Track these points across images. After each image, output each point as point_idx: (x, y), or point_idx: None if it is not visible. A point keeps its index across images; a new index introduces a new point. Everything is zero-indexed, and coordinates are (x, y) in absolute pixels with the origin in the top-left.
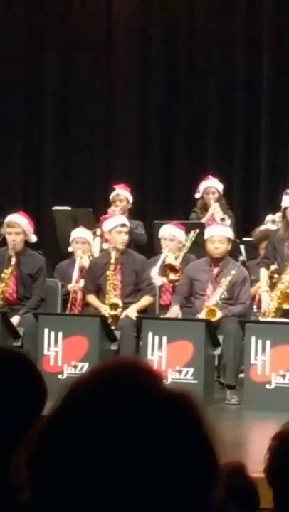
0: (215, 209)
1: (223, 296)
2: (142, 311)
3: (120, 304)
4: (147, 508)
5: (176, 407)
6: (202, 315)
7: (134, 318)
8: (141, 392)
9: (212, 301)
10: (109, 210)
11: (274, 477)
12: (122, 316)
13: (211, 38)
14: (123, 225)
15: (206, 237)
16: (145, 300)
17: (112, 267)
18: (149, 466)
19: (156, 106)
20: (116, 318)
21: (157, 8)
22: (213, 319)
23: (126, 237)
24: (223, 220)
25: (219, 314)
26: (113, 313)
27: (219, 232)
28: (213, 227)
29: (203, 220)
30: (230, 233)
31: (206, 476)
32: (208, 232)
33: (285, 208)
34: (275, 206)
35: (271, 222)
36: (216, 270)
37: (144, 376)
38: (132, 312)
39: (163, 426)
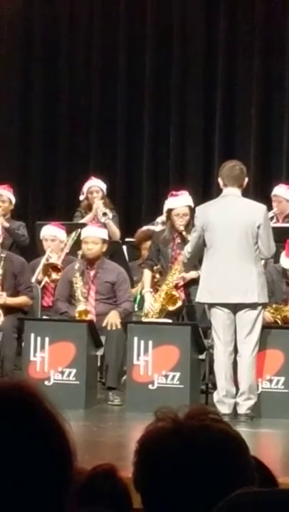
0: (98, 205)
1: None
2: (23, 313)
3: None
4: None
5: (14, 398)
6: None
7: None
8: None
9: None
10: None
11: (138, 481)
12: None
13: (94, 36)
14: None
15: (81, 237)
16: (22, 298)
17: None
18: None
19: (39, 106)
20: None
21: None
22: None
23: None
24: (105, 214)
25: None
26: None
27: (93, 232)
28: (88, 227)
29: (83, 220)
30: (105, 234)
31: (54, 458)
32: (83, 233)
33: (170, 210)
34: (158, 207)
35: (161, 224)
36: (92, 272)
37: None
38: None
39: (2, 417)
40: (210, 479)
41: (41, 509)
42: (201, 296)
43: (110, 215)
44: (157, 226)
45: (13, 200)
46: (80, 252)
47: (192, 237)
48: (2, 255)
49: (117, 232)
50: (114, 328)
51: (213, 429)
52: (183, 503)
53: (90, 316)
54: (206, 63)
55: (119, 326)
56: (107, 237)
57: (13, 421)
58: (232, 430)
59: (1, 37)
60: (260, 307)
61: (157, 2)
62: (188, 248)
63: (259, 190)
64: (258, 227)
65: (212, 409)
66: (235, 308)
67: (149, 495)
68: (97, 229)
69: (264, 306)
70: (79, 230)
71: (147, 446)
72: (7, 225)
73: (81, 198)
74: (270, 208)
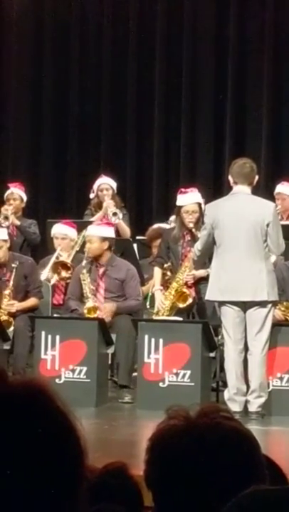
0: (108, 204)
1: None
2: (31, 311)
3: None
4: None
5: (26, 396)
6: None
7: (13, 310)
8: None
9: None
10: (2, 209)
11: (149, 479)
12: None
13: (103, 35)
14: None
15: None
16: (31, 301)
17: (8, 274)
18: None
19: (50, 105)
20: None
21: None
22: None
23: None
24: (115, 214)
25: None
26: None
27: (91, 231)
28: (90, 226)
29: (93, 219)
30: (106, 232)
31: (66, 456)
32: (86, 232)
33: (179, 207)
34: (168, 205)
35: (174, 223)
36: (101, 270)
37: None
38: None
39: (12, 415)
40: (221, 477)
41: (53, 508)
42: (211, 294)
43: (120, 215)
44: (171, 225)
45: (25, 198)
46: (86, 249)
47: (202, 235)
48: (13, 265)
49: (127, 231)
50: (105, 317)
51: (225, 427)
52: (194, 500)
53: (99, 313)
54: (216, 63)
55: (108, 318)
56: (109, 235)
57: (25, 419)
58: (244, 428)
59: (12, 38)
60: (269, 305)
61: (168, 2)
62: (198, 246)
63: (270, 189)
64: (267, 224)
65: (224, 407)
66: (245, 306)
67: (160, 493)
68: (98, 227)
69: (274, 303)
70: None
71: (159, 444)
72: (18, 223)
73: (91, 196)
74: None
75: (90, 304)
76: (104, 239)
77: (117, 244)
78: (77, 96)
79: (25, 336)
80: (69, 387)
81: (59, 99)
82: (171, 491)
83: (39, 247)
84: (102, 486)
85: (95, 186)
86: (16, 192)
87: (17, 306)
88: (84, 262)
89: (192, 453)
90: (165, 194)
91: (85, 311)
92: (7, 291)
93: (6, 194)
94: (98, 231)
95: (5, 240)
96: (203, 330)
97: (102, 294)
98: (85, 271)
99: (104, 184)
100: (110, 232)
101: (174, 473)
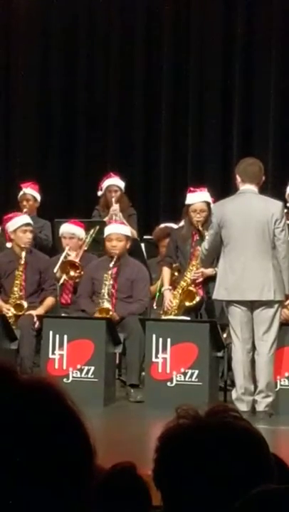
0: (115, 211)
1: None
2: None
3: (25, 305)
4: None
5: (36, 395)
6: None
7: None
8: None
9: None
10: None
11: (158, 479)
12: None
13: (111, 35)
14: (27, 225)
15: (104, 235)
16: (49, 301)
17: (21, 268)
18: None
19: (57, 103)
20: (17, 317)
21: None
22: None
23: (30, 236)
24: None
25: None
26: (18, 313)
27: (117, 230)
28: (112, 225)
29: (105, 219)
30: (128, 231)
31: (75, 455)
32: (106, 230)
33: (188, 206)
34: (176, 205)
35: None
36: (115, 269)
37: None
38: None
39: (23, 414)
40: (230, 477)
41: (61, 507)
42: (218, 293)
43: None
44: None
45: (38, 198)
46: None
47: (209, 234)
48: (21, 262)
49: (134, 234)
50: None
51: (234, 427)
52: (203, 500)
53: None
54: (224, 61)
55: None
56: (130, 234)
57: (34, 416)
58: (253, 428)
59: (19, 37)
60: (276, 305)
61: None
62: (205, 245)
63: (277, 189)
64: (275, 223)
65: (233, 406)
66: (252, 305)
67: (169, 492)
68: (121, 226)
69: (281, 303)
70: (97, 227)
71: (168, 443)
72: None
73: (99, 193)
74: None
75: (105, 304)
76: (127, 237)
77: None
78: (84, 96)
79: (29, 336)
80: (77, 386)
81: (67, 99)
82: (180, 491)
83: (48, 246)
84: (110, 485)
85: (104, 185)
86: (29, 192)
87: (38, 311)
88: (103, 262)
89: (201, 452)
90: (173, 194)
91: (97, 311)
92: (18, 272)
93: (19, 195)
94: (123, 229)
95: (28, 224)
96: (210, 329)
97: (113, 295)
98: (110, 272)
99: (113, 186)
100: (129, 231)
101: (182, 473)
